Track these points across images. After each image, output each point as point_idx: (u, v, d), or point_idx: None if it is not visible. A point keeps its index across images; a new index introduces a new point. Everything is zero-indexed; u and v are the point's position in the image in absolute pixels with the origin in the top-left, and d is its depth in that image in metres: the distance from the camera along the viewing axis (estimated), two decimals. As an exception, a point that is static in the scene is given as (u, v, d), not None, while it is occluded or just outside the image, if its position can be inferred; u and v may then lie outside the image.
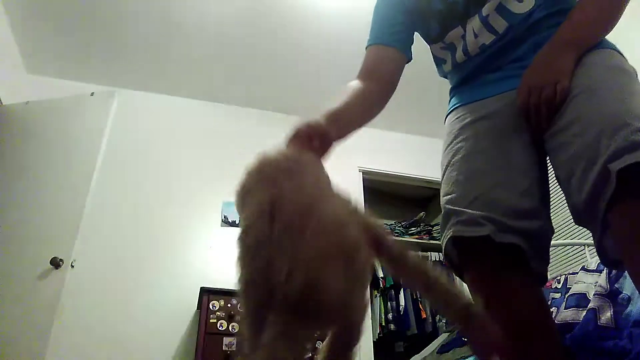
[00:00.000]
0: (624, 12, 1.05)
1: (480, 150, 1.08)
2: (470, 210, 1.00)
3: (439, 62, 1.31)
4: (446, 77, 1.32)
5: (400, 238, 4.62)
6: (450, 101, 1.27)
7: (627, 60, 1.05)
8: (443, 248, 1.06)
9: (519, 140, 1.05)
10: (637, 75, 1.01)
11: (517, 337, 0.95)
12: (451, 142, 1.16)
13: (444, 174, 1.14)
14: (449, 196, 1.07)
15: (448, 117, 1.24)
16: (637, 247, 0.81)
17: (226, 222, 3.64)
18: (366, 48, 1.27)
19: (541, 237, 1.00)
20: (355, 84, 1.17)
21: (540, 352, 0.95)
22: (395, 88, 1.25)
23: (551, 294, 1.88)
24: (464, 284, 1.05)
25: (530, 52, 1.09)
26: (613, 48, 1.05)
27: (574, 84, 0.97)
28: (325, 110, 1.05)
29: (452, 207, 1.04)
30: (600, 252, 0.92)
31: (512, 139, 1.05)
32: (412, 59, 1.26)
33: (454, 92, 1.27)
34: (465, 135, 1.12)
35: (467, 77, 1.21)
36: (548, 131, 0.99)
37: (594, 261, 1.79)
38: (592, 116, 0.90)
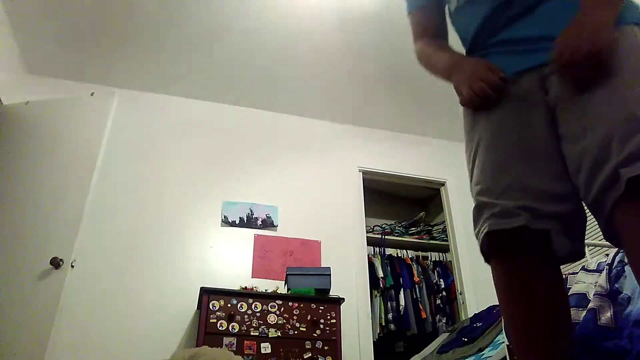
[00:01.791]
0: None
1: (504, 136, 1.05)
2: (502, 201, 0.99)
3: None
4: (453, 24, 1.30)
5: (400, 238, 4.62)
6: None
7: None
8: (479, 242, 1.04)
9: (542, 122, 1.02)
10: None
11: (539, 331, 0.95)
12: (472, 129, 1.14)
13: (471, 164, 1.12)
14: (479, 187, 1.06)
15: None
16: None
17: (226, 222, 3.64)
18: (408, 13, 1.40)
19: (576, 217, 0.98)
20: (426, 41, 1.32)
21: (559, 347, 0.95)
22: (447, 32, 1.36)
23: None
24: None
25: (546, 20, 1.05)
26: (637, 22, 0.99)
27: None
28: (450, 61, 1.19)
29: (483, 200, 1.03)
30: (609, 236, 0.93)
31: (534, 121, 1.03)
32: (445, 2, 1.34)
33: None
34: (485, 121, 1.10)
35: (477, 37, 1.18)
36: (561, 115, 0.98)
37: (594, 261, 1.79)
38: (605, 110, 0.88)
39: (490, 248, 1.01)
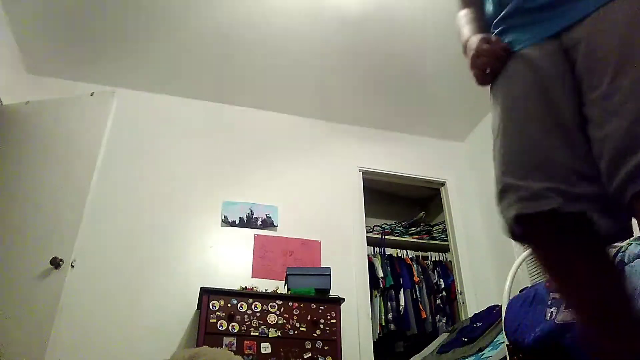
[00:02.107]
0: None
1: (526, 113, 0.99)
2: (529, 183, 0.92)
3: None
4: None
5: (400, 238, 4.62)
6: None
7: None
8: (507, 227, 0.97)
9: (566, 97, 0.95)
10: None
11: (595, 317, 0.89)
12: (495, 105, 1.08)
13: (495, 143, 1.06)
14: (502, 168, 0.99)
15: None
16: None
17: (226, 222, 3.64)
18: None
19: (609, 197, 0.90)
20: (466, 11, 1.31)
21: (623, 330, 0.87)
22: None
23: (552, 293, 1.88)
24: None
25: None
26: None
27: (628, 37, 0.85)
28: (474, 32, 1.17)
29: (507, 181, 0.96)
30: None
31: (557, 96, 0.96)
32: None
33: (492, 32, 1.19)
34: (505, 97, 1.04)
35: (492, 7, 1.16)
36: (586, 94, 0.91)
37: (594, 261, 1.79)
38: (633, 95, 0.82)
39: (522, 233, 0.95)
